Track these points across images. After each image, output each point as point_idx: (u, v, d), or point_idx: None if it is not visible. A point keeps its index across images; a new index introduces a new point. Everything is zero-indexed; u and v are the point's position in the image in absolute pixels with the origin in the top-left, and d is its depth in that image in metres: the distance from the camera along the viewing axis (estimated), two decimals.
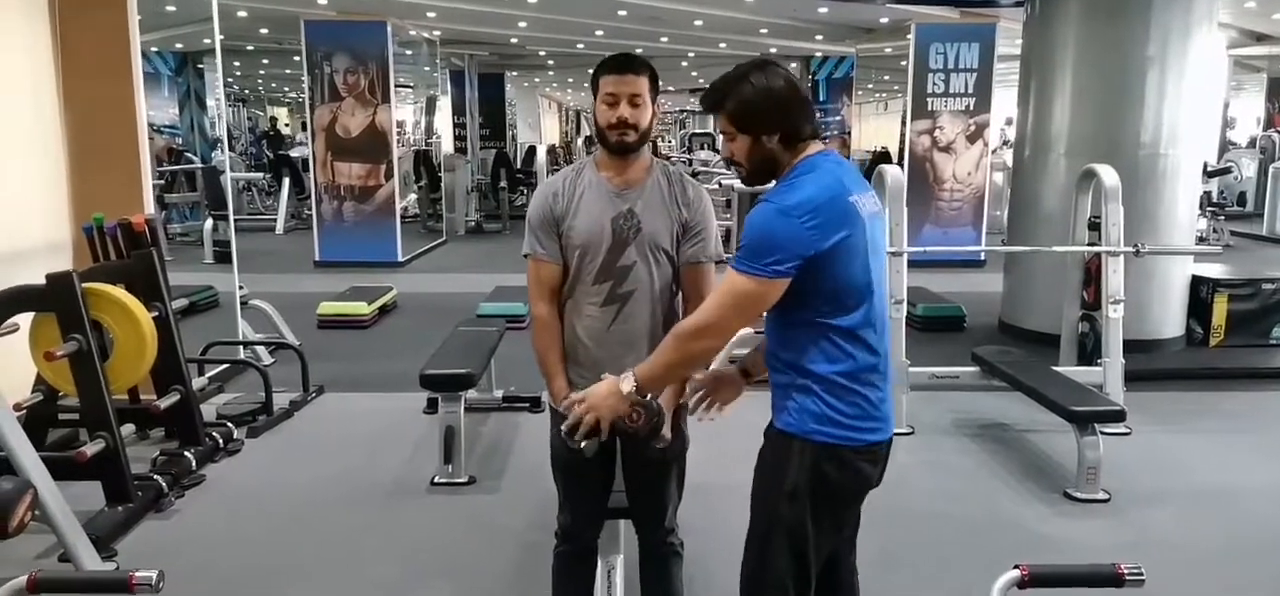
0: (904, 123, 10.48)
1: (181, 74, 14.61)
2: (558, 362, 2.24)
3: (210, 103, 15.06)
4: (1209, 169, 11.20)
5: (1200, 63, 6.12)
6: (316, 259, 10.13)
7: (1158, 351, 6.10)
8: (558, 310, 2.26)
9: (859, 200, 1.81)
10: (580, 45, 13.54)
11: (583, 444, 1.98)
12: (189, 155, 13.55)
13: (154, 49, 13.28)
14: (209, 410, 4.69)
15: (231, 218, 6.38)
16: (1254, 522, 3.70)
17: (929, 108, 9.84)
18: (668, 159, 21.84)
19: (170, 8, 10.72)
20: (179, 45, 13.72)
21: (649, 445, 2.08)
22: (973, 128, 9.87)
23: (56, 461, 3.31)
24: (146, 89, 5.23)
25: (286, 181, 13.50)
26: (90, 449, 3.42)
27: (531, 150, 16.99)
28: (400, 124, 10.96)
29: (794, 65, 16.36)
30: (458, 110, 16.12)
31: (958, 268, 9.48)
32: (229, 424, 4.51)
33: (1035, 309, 6.56)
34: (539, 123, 26.59)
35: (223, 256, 7.20)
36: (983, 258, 9.89)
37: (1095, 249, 5.11)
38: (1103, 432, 3.93)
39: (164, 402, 4.05)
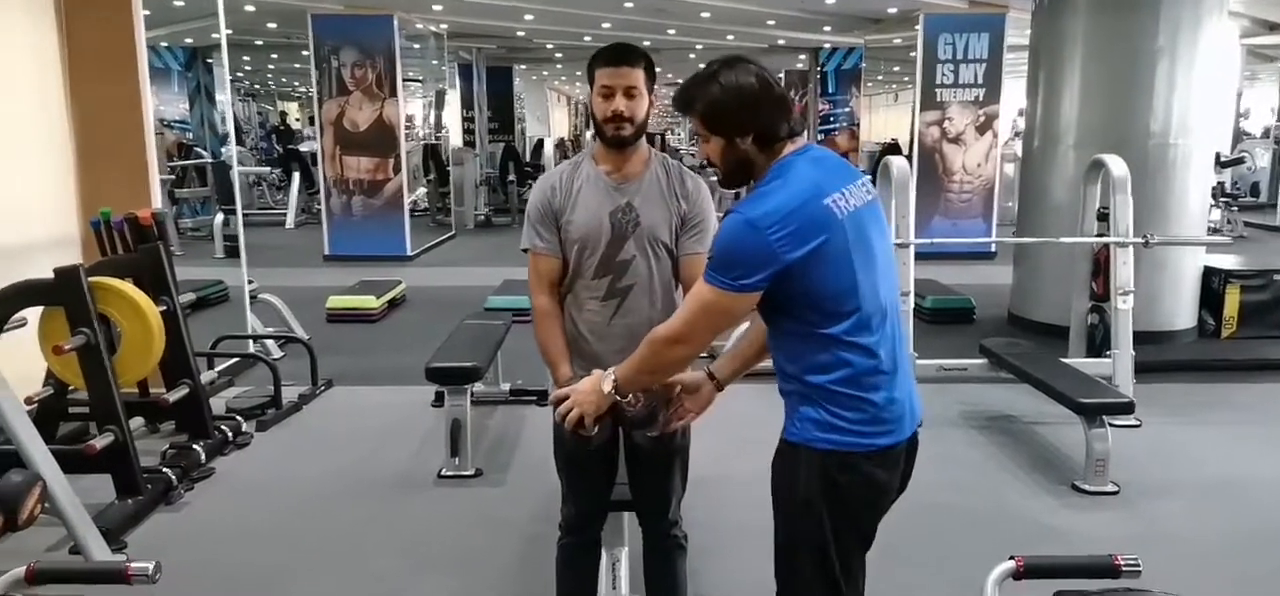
0: (913, 114, 10.43)
1: (191, 69, 14.64)
2: (561, 349, 2.24)
3: (219, 97, 15.09)
4: (1222, 159, 11.10)
5: (1211, 52, 6.06)
6: (326, 253, 10.17)
7: (1169, 343, 6.07)
8: (558, 302, 2.26)
9: (836, 200, 1.71)
10: (587, 38, 13.49)
11: (594, 429, 1.98)
12: (199, 150, 13.61)
13: (164, 44, 13.32)
14: (218, 404, 4.72)
15: (240, 212, 6.40)
16: (1265, 515, 3.68)
17: (938, 98, 9.78)
18: (676, 152, 21.72)
19: (179, 3, 10.73)
20: (189, 40, 13.74)
21: (642, 432, 2.09)
22: (982, 119, 9.81)
23: (66, 454, 3.33)
24: (157, 84, 5.26)
25: (296, 176, 13.52)
26: (99, 442, 3.45)
27: (540, 143, 16.96)
28: (409, 118, 10.96)
29: (803, 56, 16.27)
30: (466, 104, 16.09)
31: (968, 259, 9.44)
32: (238, 417, 4.54)
33: (1044, 301, 6.53)
34: (547, 116, 26.59)
35: (233, 251, 7.23)
36: (993, 249, 9.85)
37: (1104, 240, 5.07)
38: (1111, 424, 3.91)
39: (173, 396, 4.09)
